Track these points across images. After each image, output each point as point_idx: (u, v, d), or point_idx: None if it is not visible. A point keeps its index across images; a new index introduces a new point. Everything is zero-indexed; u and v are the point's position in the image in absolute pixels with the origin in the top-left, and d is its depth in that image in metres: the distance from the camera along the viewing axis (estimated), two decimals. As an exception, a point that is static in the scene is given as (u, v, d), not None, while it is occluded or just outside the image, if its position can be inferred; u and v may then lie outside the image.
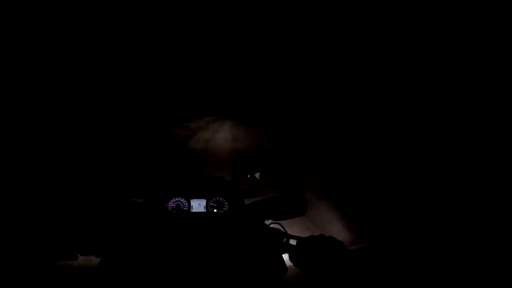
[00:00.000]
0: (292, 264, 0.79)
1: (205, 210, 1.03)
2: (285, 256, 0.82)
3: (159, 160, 4.77)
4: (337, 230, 2.52)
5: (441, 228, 2.12)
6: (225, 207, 1.04)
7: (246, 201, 1.08)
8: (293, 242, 0.82)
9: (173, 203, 1.01)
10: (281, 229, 0.89)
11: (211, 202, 1.04)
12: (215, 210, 1.03)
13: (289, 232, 0.87)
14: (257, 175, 1.30)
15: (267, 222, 0.97)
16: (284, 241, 0.83)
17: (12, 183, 2.67)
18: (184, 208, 1.02)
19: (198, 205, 1.03)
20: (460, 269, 1.58)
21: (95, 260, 0.75)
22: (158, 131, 6.54)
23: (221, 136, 7.93)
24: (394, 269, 1.49)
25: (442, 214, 2.42)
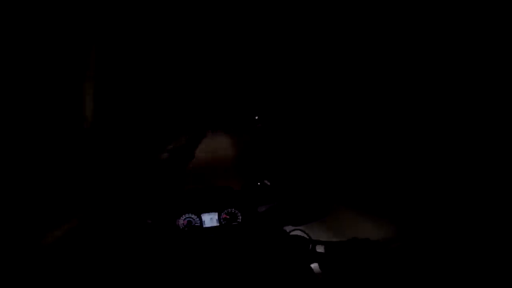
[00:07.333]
0: (321, 274, 0.72)
1: (218, 224, 0.96)
2: (313, 266, 0.74)
3: (161, 176, 4.68)
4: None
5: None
6: (239, 218, 0.98)
7: (260, 209, 1.01)
8: (320, 249, 0.74)
9: (183, 220, 0.95)
10: (304, 235, 0.81)
11: (223, 215, 0.98)
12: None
13: (314, 237, 0.79)
14: (266, 181, 1.23)
15: (287, 229, 0.90)
16: (310, 248, 0.76)
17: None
18: (196, 224, 0.95)
19: (210, 220, 0.96)
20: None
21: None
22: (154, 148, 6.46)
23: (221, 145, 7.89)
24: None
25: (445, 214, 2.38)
